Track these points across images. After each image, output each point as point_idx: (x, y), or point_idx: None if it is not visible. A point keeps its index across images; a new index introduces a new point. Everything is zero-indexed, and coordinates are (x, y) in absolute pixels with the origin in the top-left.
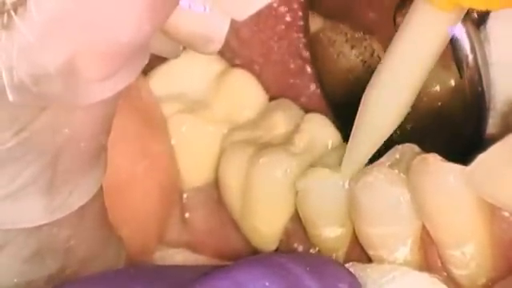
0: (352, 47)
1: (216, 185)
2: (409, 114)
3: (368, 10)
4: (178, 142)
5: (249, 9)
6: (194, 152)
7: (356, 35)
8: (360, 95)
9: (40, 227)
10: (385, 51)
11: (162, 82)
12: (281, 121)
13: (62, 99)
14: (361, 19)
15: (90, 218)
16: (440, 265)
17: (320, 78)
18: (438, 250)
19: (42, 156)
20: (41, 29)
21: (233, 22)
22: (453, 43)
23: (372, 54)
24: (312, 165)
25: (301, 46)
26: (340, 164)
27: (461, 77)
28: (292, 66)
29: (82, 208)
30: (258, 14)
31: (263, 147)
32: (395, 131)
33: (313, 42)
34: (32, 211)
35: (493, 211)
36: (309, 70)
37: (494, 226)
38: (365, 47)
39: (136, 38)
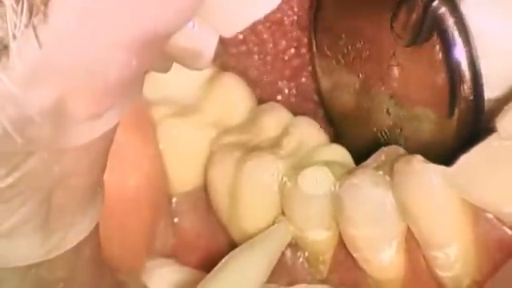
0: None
1: (205, 189)
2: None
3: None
4: (168, 146)
5: (237, 25)
6: (184, 156)
7: (352, 53)
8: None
9: (35, 267)
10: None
11: (152, 86)
12: (269, 124)
13: (50, 143)
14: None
15: (85, 258)
16: (425, 266)
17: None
18: (422, 252)
19: (35, 194)
20: (24, 79)
21: None
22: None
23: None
24: (300, 167)
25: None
26: (327, 166)
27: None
28: None
29: (78, 246)
30: None
31: (251, 150)
32: None
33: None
34: (27, 250)
35: (476, 212)
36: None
37: (477, 228)
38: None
39: (124, 75)
